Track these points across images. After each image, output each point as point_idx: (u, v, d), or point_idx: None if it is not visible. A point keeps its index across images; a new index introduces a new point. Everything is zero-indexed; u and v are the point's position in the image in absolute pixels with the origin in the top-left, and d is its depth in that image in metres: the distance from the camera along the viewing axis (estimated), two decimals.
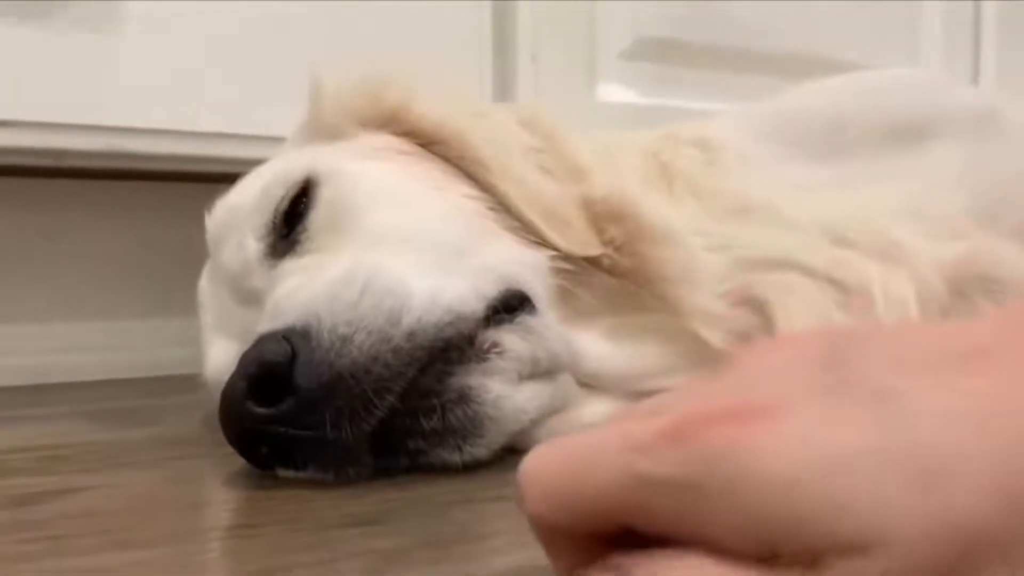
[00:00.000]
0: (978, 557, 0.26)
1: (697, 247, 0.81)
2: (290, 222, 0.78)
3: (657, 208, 0.81)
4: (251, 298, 0.77)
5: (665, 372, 0.81)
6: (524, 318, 0.72)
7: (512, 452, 0.72)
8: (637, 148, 0.92)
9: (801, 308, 0.79)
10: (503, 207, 0.79)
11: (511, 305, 0.72)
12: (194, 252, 0.89)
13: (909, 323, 0.36)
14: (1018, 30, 1.91)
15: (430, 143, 0.84)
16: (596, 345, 0.79)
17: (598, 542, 0.31)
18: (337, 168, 0.80)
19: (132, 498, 0.67)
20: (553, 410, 0.75)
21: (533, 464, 0.33)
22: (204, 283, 0.86)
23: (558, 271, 0.78)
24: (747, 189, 0.87)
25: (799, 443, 0.27)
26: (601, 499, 0.30)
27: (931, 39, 1.83)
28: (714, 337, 0.79)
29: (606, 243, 0.80)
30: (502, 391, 0.68)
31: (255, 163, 0.88)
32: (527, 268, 0.76)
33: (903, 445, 0.27)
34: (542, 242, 0.78)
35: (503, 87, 1.44)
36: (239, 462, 0.69)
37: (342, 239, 0.75)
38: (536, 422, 0.73)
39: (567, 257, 0.78)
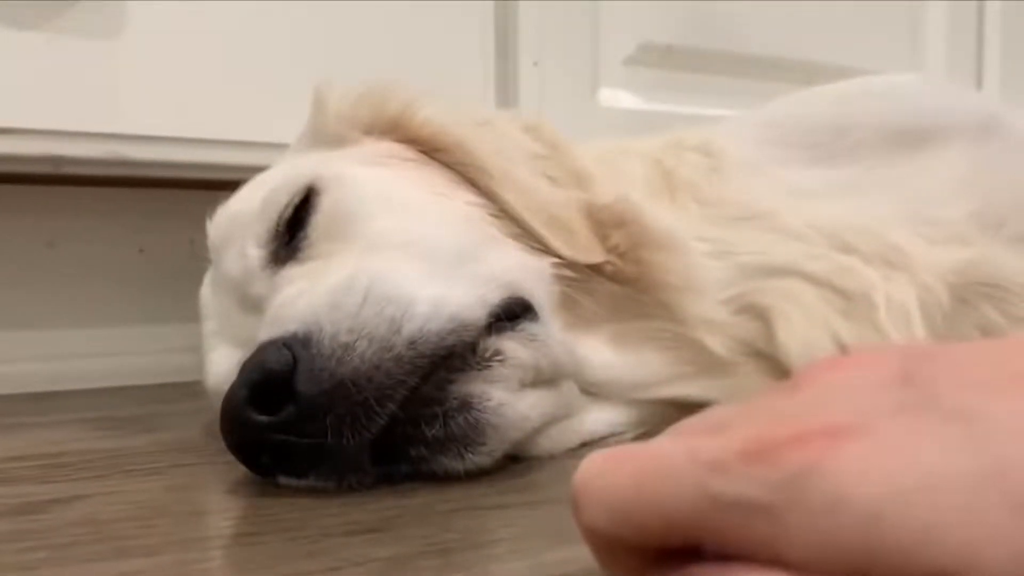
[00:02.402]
0: None
1: (700, 254, 0.81)
2: (292, 229, 0.78)
3: (660, 214, 0.81)
4: (253, 305, 0.77)
5: (668, 379, 0.81)
6: (527, 325, 0.72)
7: (514, 460, 0.72)
8: (640, 155, 0.92)
9: (802, 315, 0.79)
10: (505, 214, 0.79)
11: (514, 312, 0.71)
12: (195, 259, 0.89)
13: (979, 341, 0.35)
14: (1021, 37, 1.91)
15: (433, 150, 0.84)
16: (599, 352, 0.79)
17: (656, 552, 0.31)
18: (339, 174, 0.79)
19: (134, 506, 0.66)
20: (556, 417, 0.75)
21: (590, 475, 0.32)
22: (206, 290, 0.86)
23: (561, 278, 0.78)
24: (750, 195, 0.86)
25: (884, 466, 0.27)
26: (670, 516, 0.30)
27: (934, 45, 1.83)
28: (716, 344, 0.79)
29: (609, 250, 0.80)
30: (504, 399, 0.68)
31: (257, 170, 0.88)
32: (530, 275, 0.76)
33: (991, 467, 0.26)
34: (545, 249, 0.78)
35: (505, 92, 1.44)
36: (241, 470, 0.68)
37: (344, 245, 0.74)
38: (539, 430, 0.73)
39: (570, 264, 0.78)
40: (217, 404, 0.68)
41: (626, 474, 0.31)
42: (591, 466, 0.33)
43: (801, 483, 0.27)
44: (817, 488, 0.27)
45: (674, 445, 0.31)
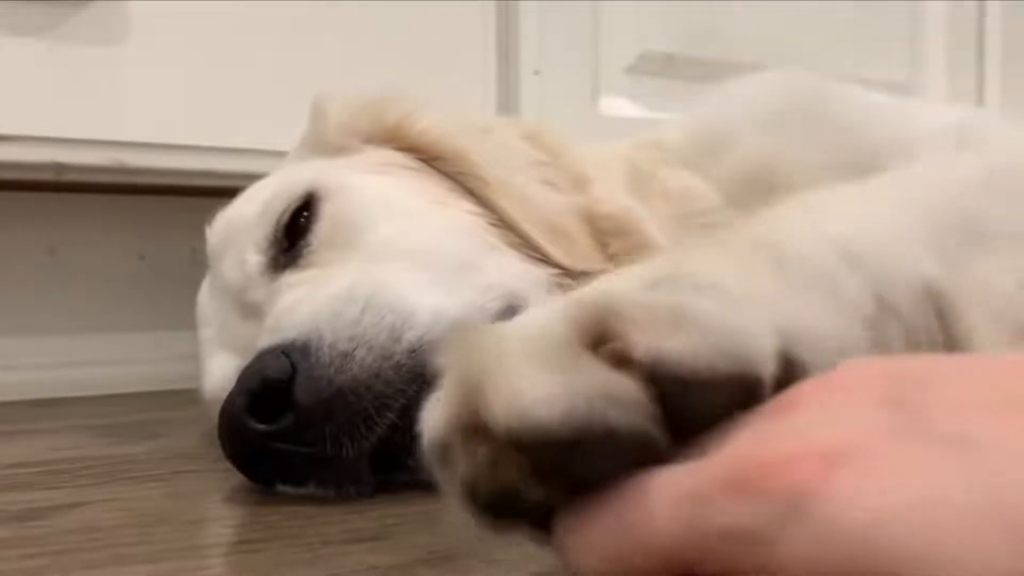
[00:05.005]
0: None
1: None
2: (291, 236, 0.78)
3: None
4: (251, 311, 0.77)
5: None
6: None
7: None
8: (617, 156, 0.92)
9: None
10: (504, 223, 0.80)
11: None
12: (196, 266, 0.89)
13: (967, 358, 0.35)
14: (1022, 41, 1.91)
15: (432, 159, 0.84)
16: None
17: None
18: (341, 182, 0.80)
19: (134, 513, 0.66)
20: None
21: (575, 524, 0.32)
22: (204, 297, 0.86)
23: (560, 287, 0.78)
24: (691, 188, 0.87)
25: (880, 492, 0.26)
26: (660, 553, 0.29)
27: (934, 54, 1.83)
28: None
29: (608, 257, 0.80)
30: None
31: (256, 177, 0.88)
32: (529, 284, 0.76)
33: (989, 494, 0.25)
34: (544, 258, 0.78)
35: (506, 101, 1.44)
36: (240, 477, 0.69)
37: (344, 253, 0.75)
38: None
39: (570, 272, 0.78)
40: (214, 411, 0.68)
41: (609, 515, 0.31)
42: (574, 515, 0.32)
43: (795, 509, 0.27)
44: (813, 514, 0.26)
45: (654, 479, 0.31)
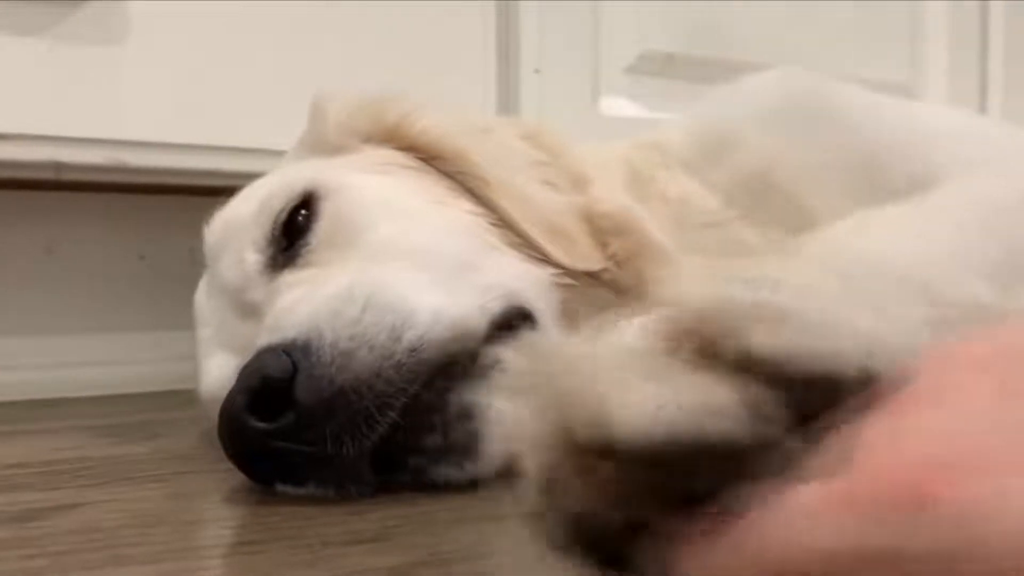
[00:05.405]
0: None
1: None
2: (290, 235, 0.78)
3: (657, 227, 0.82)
4: (250, 311, 0.77)
5: None
6: (527, 335, 0.72)
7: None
8: (617, 157, 0.92)
9: None
10: (504, 223, 0.79)
11: (514, 322, 0.71)
12: (196, 266, 0.89)
13: None
14: None
15: (431, 158, 0.84)
16: None
17: None
18: (340, 182, 0.80)
19: (133, 513, 0.66)
20: None
21: (691, 543, 0.30)
22: (201, 296, 0.86)
23: (560, 287, 0.78)
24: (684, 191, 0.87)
25: (1013, 495, 0.25)
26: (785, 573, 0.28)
27: (935, 54, 1.83)
28: None
29: (608, 258, 0.80)
30: (504, 407, 0.68)
31: (256, 177, 0.88)
32: (530, 284, 0.76)
33: None
34: (544, 258, 0.78)
35: (507, 99, 1.44)
36: (241, 478, 0.68)
37: (344, 252, 0.74)
38: None
39: (569, 272, 0.78)
40: (213, 411, 0.68)
41: (728, 540, 0.29)
42: (686, 542, 0.30)
43: (969, 522, 0.25)
44: (989, 525, 0.25)
45: (777, 499, 0.29)
